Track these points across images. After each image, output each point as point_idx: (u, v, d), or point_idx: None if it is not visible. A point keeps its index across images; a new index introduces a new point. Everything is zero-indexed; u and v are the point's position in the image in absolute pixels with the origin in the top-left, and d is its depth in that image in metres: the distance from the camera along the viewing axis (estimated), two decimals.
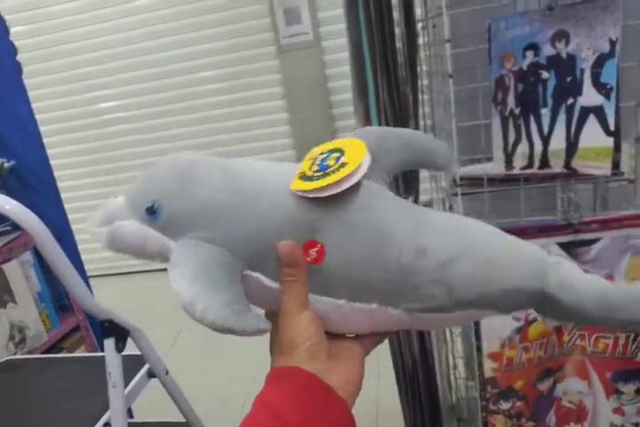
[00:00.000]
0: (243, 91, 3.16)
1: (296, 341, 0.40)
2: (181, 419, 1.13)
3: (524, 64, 0.87)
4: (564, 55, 0.85)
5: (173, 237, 0.41)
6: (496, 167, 0.93)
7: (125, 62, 3.21)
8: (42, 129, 1.73)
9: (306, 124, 3.03)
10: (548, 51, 0.85)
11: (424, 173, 1.09)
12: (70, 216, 1.79)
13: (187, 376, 1.29)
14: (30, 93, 1.69)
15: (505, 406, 0.99)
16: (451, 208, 0.99)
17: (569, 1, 0.87)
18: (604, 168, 0.87)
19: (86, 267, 1.75)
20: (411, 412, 1.22)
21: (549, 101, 0.87)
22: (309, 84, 3.02)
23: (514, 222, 0.89)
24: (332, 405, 0.39)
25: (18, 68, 1.66)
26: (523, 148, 0.90)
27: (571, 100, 0.86)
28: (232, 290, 0.39)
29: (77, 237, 1.77)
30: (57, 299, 1.74)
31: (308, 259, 0.40)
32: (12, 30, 1.68)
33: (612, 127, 0.85)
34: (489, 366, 0.96)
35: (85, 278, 1.61)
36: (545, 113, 0.88)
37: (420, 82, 1.05)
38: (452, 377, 1.22)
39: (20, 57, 1.68)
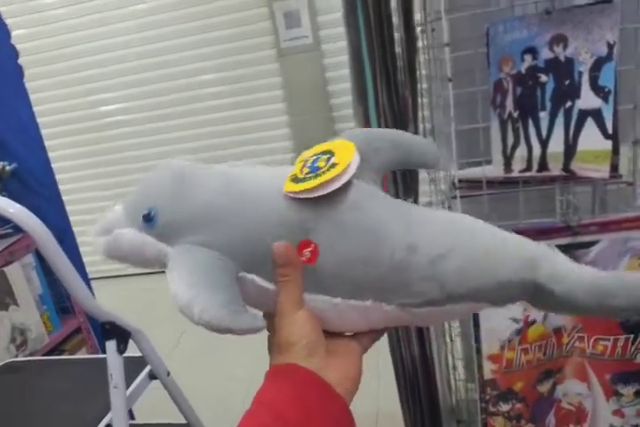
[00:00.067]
0: (243, 94, 3.17)
1: (293, 339, 0.41)
2: (182, 420, 1.14)
3: (523, 68, 0.87)
4: (562, 59, 0.86)
5: (170, 242, 0.42)
6: (495, 170, 0.94)
7: (126, 66, 3.22)
8: (43, 132, 1.73)
9: (306, 127, 3.04)
10: (546, 54, 0.86)
11: (423, 176, 1.10)
12: (72, 219, 1.80)
13: (188, 378, 1.29)
14: (31, 97, 1.69)
15: (504, 407, 0.99)
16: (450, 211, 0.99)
17: (566, 5, 0.87)
18: (602, 171, 0.87)
19: (88, 269, 1.76)
20: (411, 414, 1.22)
21: (548, 105, 0.88)
22: (309, 88, 3.03)
23: (513, 225, 0.90)
24: (330, 401, 0.39)
25: (19, 72, 1.67)
26: (521, 151, 0.91)
27: (569, 104, 0.87)
28: (229, 292, 0.39)
29: (79, 239, 1.77)
30: (58, 301, 1.74)
31: (303, 259, 0.41)
32: (13, 33, 1.69)
33: (610, 130, 0.86)
34: (488, 368, 0.97)
35: (87, 281, 1.61)
36: (543, 116, 0.88)
37: (419, 85, 1.05)
38: (451, 379, 1.22)
39: (21, 60, 1.69)
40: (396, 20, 0.96)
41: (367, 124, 0.99)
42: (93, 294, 1.00)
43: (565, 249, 0.42)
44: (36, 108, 1.71)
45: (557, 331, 0.95)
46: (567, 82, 0.86)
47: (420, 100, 1.07)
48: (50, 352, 1.65)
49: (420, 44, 1.03)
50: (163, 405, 1.13)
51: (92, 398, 1.01)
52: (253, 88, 3.15)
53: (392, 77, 0.96)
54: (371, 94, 0.97)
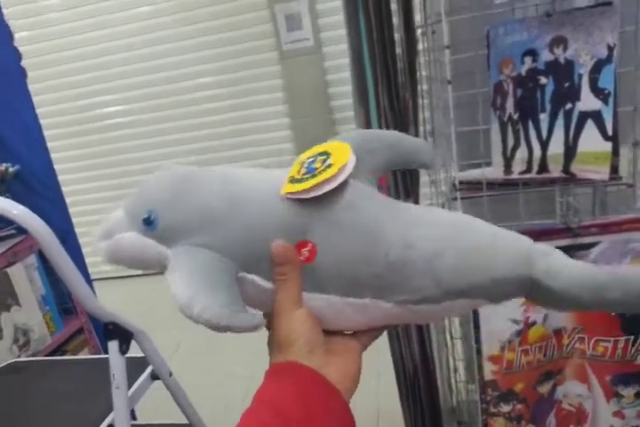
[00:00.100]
0: (245, 96, 3.18)
1: (292, 337, 0.41)
2: (184, 421, 1.14)
3: (523, 70, 0.88)
4: (562, 61, 0.86)
5: (170, 245, 0.43)
6: (495, 172, 0.94)
7: (128, 68, 3.23)
8: (46, 133, 1.74)
9: (307, 129, 3.05)
10: (546, 56, 0.86)
11: (424, 178, 1.10)
12: (74, 220, 1.80)
13: (190, 378, 1.29)
14: (34, 98, 1.70)
15: (505, 408, 0.99)
16: None
17: (567, 7, 0.88)
18: (602, 172, 0.88)
19: (90, 270, 1.76)
20: (411, 415, 1.22)
21: (548, 107, 0.88)
22: (310, 90, 3.04)
23: (513, 226, 0.90)
24: (332, 399, 0.40)
25: (22, 74, 1.68)
26: (521, 152, 0.91)
27: (569, 106, 0.87)
28: (228, 291, 0.40)
29: (81, 240, 1.78)
30: (61, 302, 1.75)
31: (301, 258, 0.41)
32: (16, 36, 1.70)
33: (610, 132, 0.86)
34: (489, 369, 0.97)
35: (89, 281, 1.62)
36: (543, 118, 0.89)
37: (419, 87, 1.06)
38: (452, 380, 1.22)
39: (23, 62, 1.70)
40: (396, 21, 0.97)
41: (368, 125, 1.00)
42: (95, 294, 1.00)
43: (565, 251, 0.42)
44: (38, 110, 1.71)
45: (558, 332, 0.95)
46: (567, 84, 0.86)
47: (420, 101, 1.07)
48: (52, 353, 1.65)
49: (420, 46, 1.03)
50: (164, 405, 1.14)
51: (94, 398, 1.01)
52: (255, 90, 3.16)
53: (393, 79, 0.97)
54: (371, 96, 0.98)
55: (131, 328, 0.94)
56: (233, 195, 0.43)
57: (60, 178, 1.79)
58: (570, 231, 0.91)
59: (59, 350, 1.70)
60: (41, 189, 1.70)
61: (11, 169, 1.62)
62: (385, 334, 1.22)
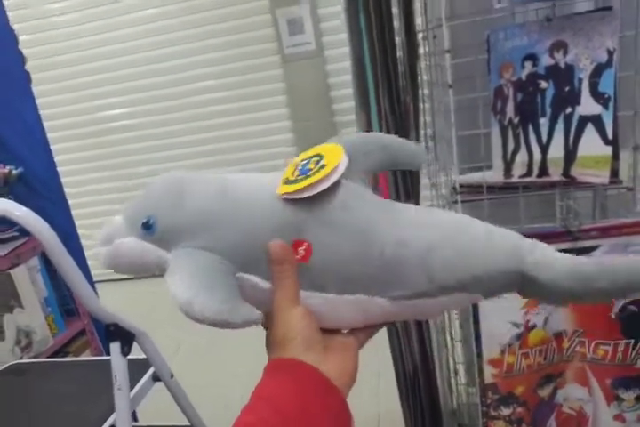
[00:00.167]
0: (247, 99, 3.19)
1: (290, 335, 0.41)
2: (185, 422, 1.14)
3: (523, 74, 0.88)
4: (562, 65, 0.86)
5: (169, 248, 0.44)
6: (495, 175, 0.94)
7: (131, 71, 3.24)
8: (49, 136, 1.75)
9: (309, 132, 3.05)
10: (546, 61, 0.87)
11: (424, 181, 1.10)
12: (77, 222, 1.81)
13: (191, 380, 1.30)
14: (37, 101, 1.71)
15: (505, 411, 1.00)
16: None
17: (567, 12, 0.88)
18: (602, 176, 0.88)
19: (92, 272, 1.77)
20: (412, 418, 1.22)
21: (548, 111, 0.88)
22: (312, 93, 3.05)
23: (513, 230, 0.90)
24: (330, 396, 0.40)
25: (26, 77, 1.69)
26: (522, 156, 0.91)
27: (569, 110, 0.87)
28: (228, 289, 0.41)
29: (84, 242, 1.79)
30: (63, 304, 1.76)
31: (297, 257, 0.42)
32: (20, 39, 1.71)
33: (610, 136, 0.86)
34: (489, 372, 0.97)
35: (92, 283, 1.62)
36: (543, 122, 0.89)
37: (420, 91, 1.06)
38: (453, 383, 1.22)
39: (28, 65, 1.71)
40: (397, 26, 0.97)
41: (369, 129, 1.00)
42: (98, 296, 1.01)
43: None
44: (41, 113, 1.72)
45: (558, 335, 0.95)
46: (567, 88, 0.87)
47: (421, 105, 1.08)
48: (54, 354, 1.66)
49: (421, 50, 1.04)
50: (165, 407, 1.14)
51: (96, 399, 1.01)
52: (257, 93, 3.17)
53: (394, 83, 0.98)
54: (373, 100, 0.98)
55: (132, 330, 0.95)
56: (229, 198, 0.44)
57: (64, 180, 1.80)
58: (570, 235, 0.91)
59: (61, 351, 1.70)
60: (44, 191, 1.71)
61: (14, 171, 1.63)
62: (385, 333, 1.23)
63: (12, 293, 1.55)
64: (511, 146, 0.92)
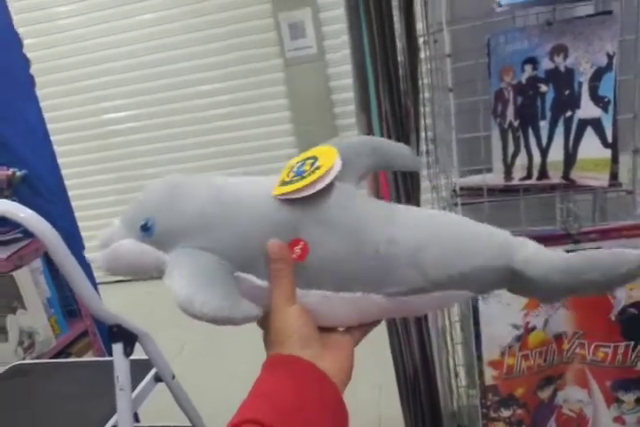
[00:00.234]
0: (249, 102, 3.20)
1: (287, 332, 0.42)
2: (187, 423, 1.15)
3: (523, 78, 0.89)
4: (562, 69, 0.87)
5: (168, 249, 0.45)
6: (496, 178, 0.95)
7: (136, 74, 3.26)
8: (53, 138, 1.76)
9: (310, 135, 3.06)
10: (546, 64, 0.87)
11: (425, 184, 1.11)
12: (80, 224, 1.82)
13: (193, 381, 1.30)
14: (41, 103, 1.72)
15: (506, 413, 1.00)
16: None
17: (567, 16, 0.89)
18: (602, 179, 0.88)
19: (95, 274, 1.78)
20: (412, 420, 1.22)
21: (548, 114, 0.89)
22: (314, 97, 3.06)
23: (513, 232, 0.91)
24: (327, 392, 0.41)
25: (30, 81, 1.70)
26: (522, 159, 0.92)
27: (569, 113, 0.88)
28: (227, 287, 0.42)
29: (86, 244, 1.79)
30: (65, 305, 1.76)
31: (294, 256, 0.43)
32: (25, 42, 1.72)
33: (609, 139, 0.87)
34: (489, 374, 0.97)
35: (94, 285, 1.63)
36: (543, 125, 0.90)
37: (421, 95, 1.07)
38: (453, 385, 1.23)
39: (32, 68, 1.72)
40: (398, 30, 0.98)
41: (370, 132, 1.01)
42: (100, 297, 1.01)
43: None
44: (46, 115, 1.73)
45: (558, 337, 0.95)
46: (567, 92, 0.87)
47: (422, 109, 1.08)
48: (57, 355, 1.66)
49: (422, 54, 1.04)
50: (167, 408, 1.14)
51: (98, 400, 1.02)
52: (259, 97, 3.18)
53: (394, 87, 0.98)
54: (373, 103, 0.99)
55: (135, 331, 0.95)
56: (227, 199, 0.45)
57: (68, 182, 1.81)
58: (570, 237, 0.92)
59: (63, 352, 1.71)
60: (47, 193, 1.72)
61: (18, 173, 1.64)
62: (385, 335, 1.23)
63: (15, 294, 1.56)
64: (511, 149, 0.92)
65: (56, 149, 1.77)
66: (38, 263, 1.66)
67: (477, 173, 0.97)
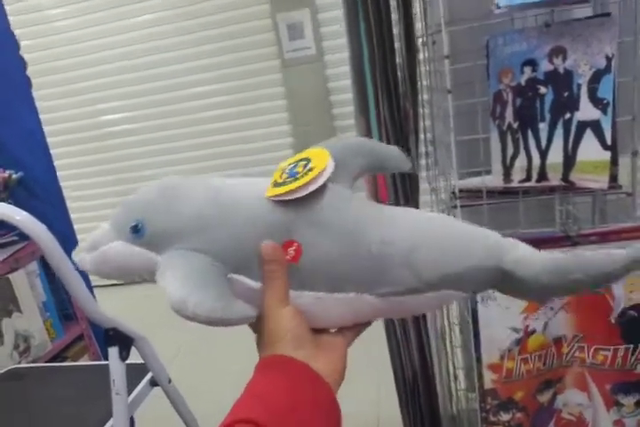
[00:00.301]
0: (247, 104, 3.20)
1: (280, 333, 0.42)
2: None
3: (522, 79, 0.88)
4: (561, 71, 0.87)
5: (160, 251, 0.44)
6: (495, 180, 0.94)
7: (132, 75, 3.25)
8: (49, 140, 1.75)
9: (309, 136, 3.06)
10: (545, 66, 0.87)
11: (424, 186, 1.11)
12: (76, 226, 1.81)
13: (190, 385, 1.29)
14: (38, 105, 1.72)
15: (505, 417, 0.99)
16: None
17: (565, 18, 0.89)
18: (601, 181, 0.88)
19: (90, 277, 1.77)
20: (411, 423, 1.22)
21: (547, 116, 0.89)
22: (312, 98, 3.06)
23: (512, 234, 0.90)
24: (321, 392, 0.41)
25: (27, 82, 1.70)
26: (521, 161, 0.92)
27: (568, 115, 0.88)
28: (220, 289, 0.42)
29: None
30: (61, 308, 1.75)
31: (287, 257, 0.43)
32: (21, 44, 1.71)
33: (608, 141, 0.86)
34: (489, 378, 0.97)
35: (90, 288, 1.62)
36: (543, 127, 0.89)
37: (420, 96, 1.06)
38: (452, 389, 1.22)
39: (28, 70, 1.72)
40: (397, 32, 0.98)
41: (368, 134, 1.01)
42: (96, 301, 1.01)
43: None
44: (42, 117, 1.73)
45: (557, 341, 0.95)
46: (566, 94, 0.87)
47: (420, 110, 1.08)
48: (52, 359, 1.65)
49: (420, 55, 1.04)
50: (164, 412, 1.13)
51: (94, 404, 1.01)
52: (257, 98, 3.18)
53: (393, 88, 0.98)
54: (372, 105, 0.99)
55: (131, 334, 0.95)
56: (219, 201, 0.45)
57: (64, 184, 1.80)
58: (569, 240, 0.91)
59: (59, 356, 1.70)
60: (43, 195, 1.71)
61: (14, 176, 1.63)
62: (384, 338, 1.22)
63: (11, 297, 1.55)
64: (510, 151, 0.92)
65: (52, 150, 1.76)
66: (34, 266, 1.65)
67: (476, 176, 0.96)
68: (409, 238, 0.43)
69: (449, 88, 0.89)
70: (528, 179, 0.92)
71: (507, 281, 0.43)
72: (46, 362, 1.60)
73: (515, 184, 0.93)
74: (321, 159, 0.46)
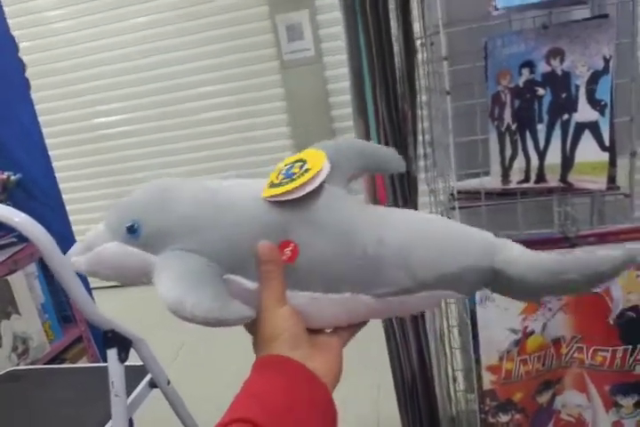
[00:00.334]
0: (246, 105, 3.20)
1: (277, 332, 0.42)
2: None
3: (520, 81, 0.88)
4: (559, 72, 0.87)
5: (155, 251, 0.44)
6: (493, 181, 0.95)
7: (131, 77, 3.26)
8: (48, 142, 1.75)
9: (308, 137, 3.05)
10: (543, 68, 0.87)
11: (423, 187, 1.11)
12: (74, 228, 1.81)
13: (189, 387, 1.29)
14: (36, 107, 1.72)
15: (504, 418, 0.99)
16: None
17: (563, 19, 0.89)
18: (599, 182, 0.88)
19: (89, 279, 1.76)
20: (411, 425, 1.22)
21: (545, 117, 0.89)
22: (311, 99, 3.06)
23: (511, 236, 0.90)
24: (317, 392, 0.41)
25: (26, 84, 1.70)
26: (519, 162, 0.92)
27: (566, 116, 0.88)
28: (217, 289, 0.42)
29: None
30: (60, 310, 1.75)
31: (284, 258, 0.43)
32: (20, 46, 1.71)
33: (606, 142, 0.86)
34: (488, 379, 0.97)
35: (89, 290, 1.62)
36: (541, 128, 0.89)
37: (418, 98, 1.07)
38: (451, 390, 1.22)
39: (27, 72, 1.72)
40: (395, 33, 0.98)
41: (367, 135, 1.01)
42: (95, 303, 1.01)
43: None
44: (41, 119, 1.73)
45: (556, 342, 0.95)
46: (564, 95, 0.87)
47: (419, 112, 1.08)
48: (51, 361, 1.65)
49: (419, 57, 1.04)
50: (163, 414, 1.13)
51: (93, 406, 1.01)
52: (256, 99, 3.18)
53: (391, 90, 0.98)
54: (370, 107, 0.99)
55: (130, 336, 0.95)
56: (216, 201, 0.45)
57: (62, 186, 1.80)
58: (568, 241, 0.91)
59: (57, 358, 1.70)
60: (42, 197, 1.71)
61: (13, 177, 1.63)
62: (383, 340, 1.22)
63: (9, 299, 1.55)
64: (509, 152, 0.92)
65: (50, 152, 1.76)
66: (33, 268, 1.65)
67: (475, 177, 0.96)
68: (405, 239, 0.43)
69: (447, 89, 0.89)
70: (526, 180, 0.92)
71: (499, 281, 0.44)
72: (45, 364, 1.60)
73: (513, 185, 0.93)
74: (317, 160, 0.46)
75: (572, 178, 0.89)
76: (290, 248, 0.43)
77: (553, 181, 0.90)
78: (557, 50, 0.86)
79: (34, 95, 1.71)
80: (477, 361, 0.96)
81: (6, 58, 1.63)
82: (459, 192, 0.96)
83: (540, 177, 0.91)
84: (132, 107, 3.32)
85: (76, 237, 1.79)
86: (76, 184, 3.43)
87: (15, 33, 1.68)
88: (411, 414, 1.20)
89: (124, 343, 0.93)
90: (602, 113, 0.86)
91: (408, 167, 1.00)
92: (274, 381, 0.40)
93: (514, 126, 0.91)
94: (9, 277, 1.55)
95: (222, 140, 3.29)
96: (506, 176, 0.93)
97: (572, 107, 0.87)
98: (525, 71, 0.88)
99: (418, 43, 1.04)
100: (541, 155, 0.90)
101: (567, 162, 0.89)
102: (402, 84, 1.01)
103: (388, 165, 0.52)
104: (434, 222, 0.46)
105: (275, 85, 3.13)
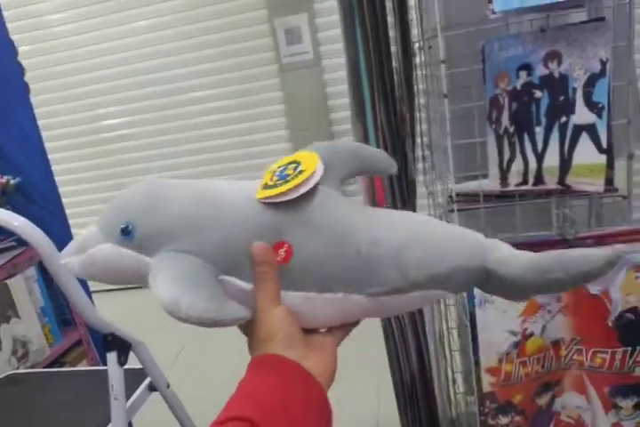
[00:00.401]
0: (245, 108, 3.20)
1: (272, 332, 0.43)
2: None
3: (518, 84, 0.89)
4: (556, 75, 0.87)
5: (150, 253, 0.44)
6: (492, 184, 0.95)
7: (131, 81, 3.26)
8: (47, 145, 1.75)
9: (306, 141, 3.00)
10: (540, 71, 0.88)
11: (421, 190, 1.11)
12: (74, 231, 1.81)
13: (188, 390, 1.29)
14: (35, 111, 1.72)
15: (504, 420, 0.99)
16: None
17: (560, 23, 0.89)
18: (597, 185, 0.88)
19: (89, 282, 1.77)
20: (410, 426, 1.22)
21: (543, 120, 0.89)
22: (310, 103, 3.07)
23: (510, 238, 0.91)
24: (312, 391, 0.41)
25: (25, 88, 1.70)
26: (517, 165, 0.92)
27: (564, 119, 0.88)
28: (213, 290, 0.42)
29: None
30: (59, 313, 1.75)
31: (278, 258, 0.44)
32: (19, 49, 1.72)
33: (604, 145, 0.87)
34: (487, 381, 0.97)
35: (88, 293, 1.62)
36: (539, 131, 0.90)
37: (416, 101, 1.07)
38: (451, 392, 1.22)
39: (27, 75, 1.72)
40: (393, 36, 0.98)
41: (365, 138, 1.01)
42: (95, 306, 1.01)
43: None
44: (41, 122, 1.73)
45: (555, 344, 0.95)
46: (562, 98, 0.87)
47: (417, 114, 1.08)
48: (51, 364, 1.65)
49: (417, 60, 1.05)
50: (162, 417, 1.13)
51: (93, 409, 1.01)
52: (255, 103, 3.19)
53: (390, 93, 0.98)
54: (368, 109, 0.99)
55: (129, 339, 0.95)
56: (210, 202, 0.46)
57: (62, 189, 1.80)
58: (566, 243, 0.92)
59: (57, 361, 1.69)
60: (41, 201, 1.71)
61: (12, 181, 1.63)
62: (382, 342, 1.22)
63: (9, 303, 1.55)
64: (507, 155, 0.92)
65: (50, 156, 1.77)
66: (32, 272, 1.65)
67: (473, 179, 0.97)
68: (397, 240, 0.44)
69: (445, 92, 0.90)
70: (524, 182, 0.92)
71: (490, 280, 0.44)
72: (45, 367, 1.59)
73: (511, 188, 0.94)
74: (311, 162, 0.46)
75: (570, 180, 0.90)
76: (284, 249, 0.44)
77: (551, 183, 0.91)
78: (555, 53, 0.86)
79: (33, 99, 1.71)
80: (477, 363, 0.96)
81: (5, 62, 1.63)
82: (457, 194, 0.96)
83: (539, 179, 0.91)
84: (131, 110, 3.32)
85: None
86: (75, 188, 3.43)
87: (15, 37, 1.68)
88: (410, 416, 1.20)
89: (123, 347, 0.93)
90: (599, 115, 0.86)
91: (407, 169, 1.01)
92: (269, 380, 0.40)
93: (512, 129, 0.91)
94: (8, 281, 1.55)
95: (222, 143, 3.29)
96: (504, 179, 0.94)
97: (569, 109, 0.87)
98: (523, 74, 0.88)
99: (416, 46, 1.04)
100: (539, 157, 0.91)
101: (565, 164, 0.89)
102: (400, 87, 1.01)
103: (379, 166, 0.52)
104: (427, 224, 0.47)
105: (274, 89, 3.14)
